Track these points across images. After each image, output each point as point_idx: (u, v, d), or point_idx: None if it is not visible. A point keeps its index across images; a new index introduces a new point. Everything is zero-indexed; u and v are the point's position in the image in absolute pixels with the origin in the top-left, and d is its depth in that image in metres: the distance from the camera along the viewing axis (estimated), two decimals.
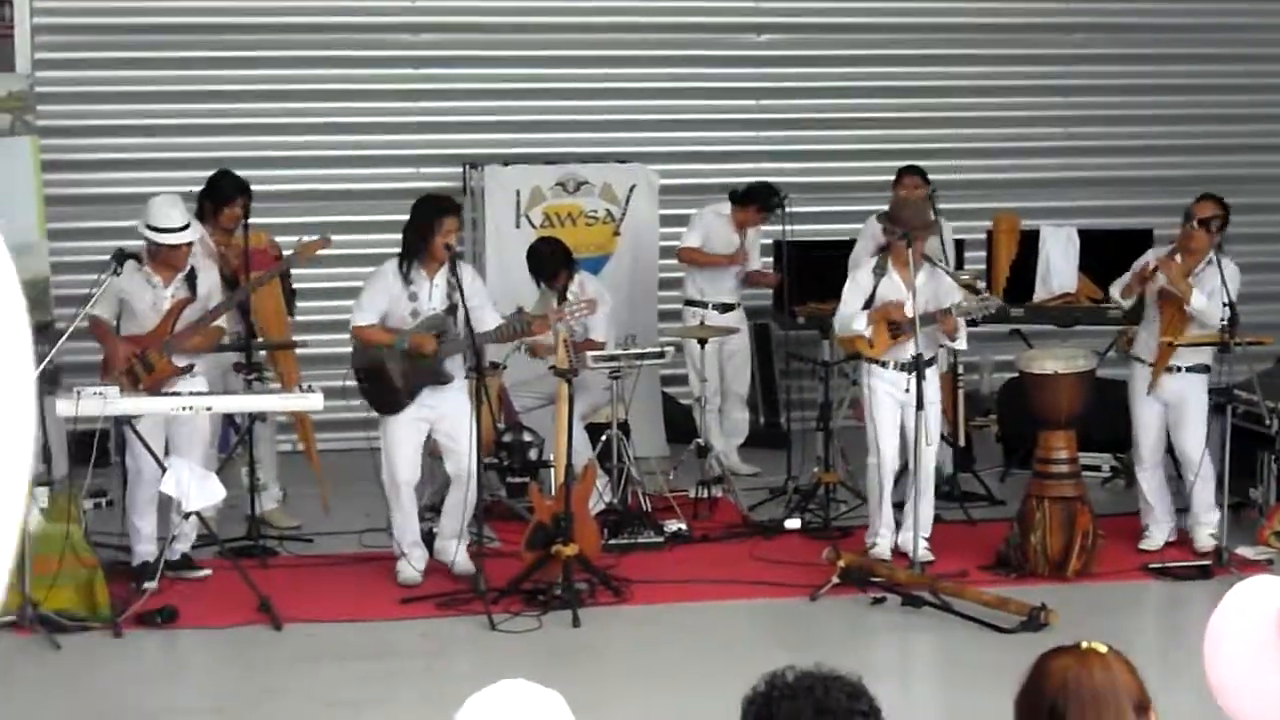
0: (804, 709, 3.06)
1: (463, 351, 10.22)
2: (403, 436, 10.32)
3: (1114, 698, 3.42)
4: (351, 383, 10.59)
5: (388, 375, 10.30)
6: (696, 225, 12.86)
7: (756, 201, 12.67)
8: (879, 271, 10.58)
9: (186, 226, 10.17)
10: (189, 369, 10.19)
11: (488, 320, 10.29)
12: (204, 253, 10.71)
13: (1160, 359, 10.77)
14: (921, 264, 10.45)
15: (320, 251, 11.07)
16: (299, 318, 11.81)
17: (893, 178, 12.58)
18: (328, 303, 12.37)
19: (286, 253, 11.26)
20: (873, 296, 10.55)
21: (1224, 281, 10.45)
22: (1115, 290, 11.06)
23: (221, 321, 10.47)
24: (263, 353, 11.24)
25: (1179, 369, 10.75)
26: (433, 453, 10.55)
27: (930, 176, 12.44)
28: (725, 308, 12.82)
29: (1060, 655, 3.47)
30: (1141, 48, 15.09)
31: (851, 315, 10.59)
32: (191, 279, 10.27)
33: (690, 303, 12.89)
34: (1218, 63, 15.20)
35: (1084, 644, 3.46)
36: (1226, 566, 10.42)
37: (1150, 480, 11.03)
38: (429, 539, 10.58)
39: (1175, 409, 10.80)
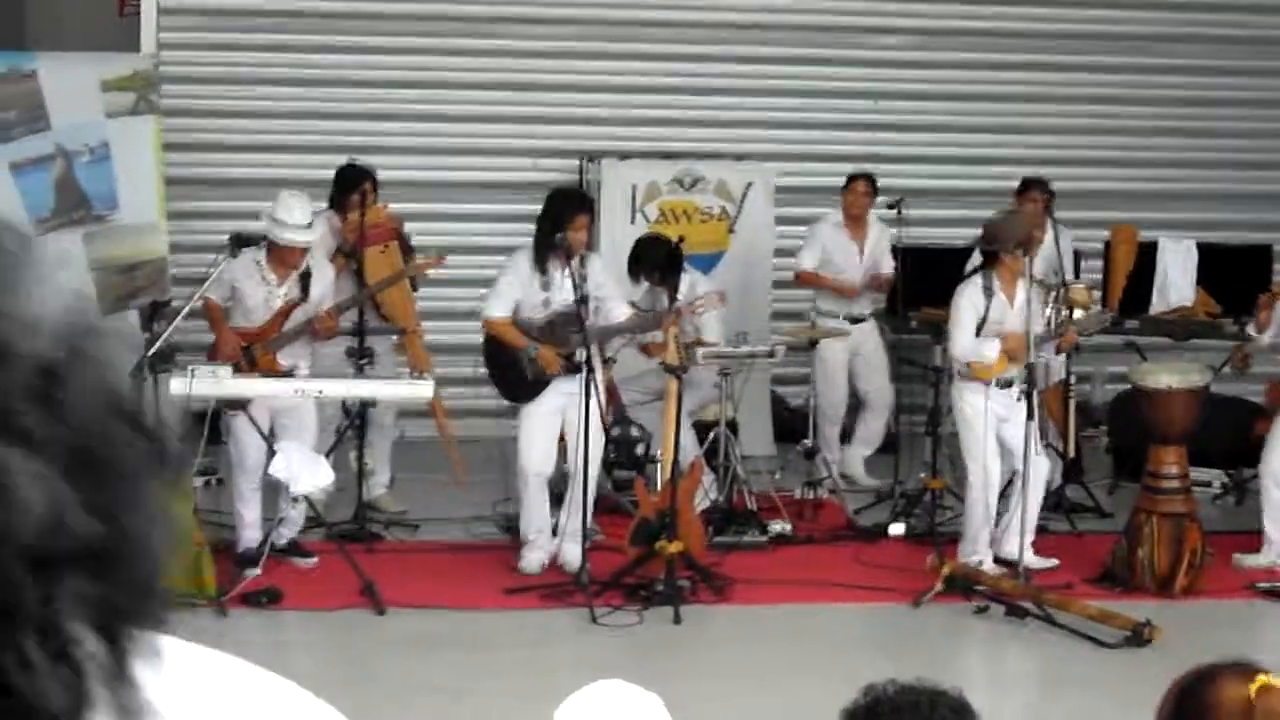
0: None
1: (594, 342, 10.21)
2: (538, 427, 10.35)
3: None
4: (457, 370, 10.63)
5: (520, 368, 10.32)
6: (812, 243, 12.71)
7: (854, 179, 12.60)
8: (987, 292, 10.47)
9: (309, 226, 10.23)
10: (292, 370, 10.25)
11: (616, 314, 10.31)
12: (324, 251, 10.82)
13: None
14: (1022, 280, 10.35)
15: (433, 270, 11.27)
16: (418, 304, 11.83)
17: (1011, 183, 12.51)
18: (445, 290, 12.41)
19: (411, 240, 11.32)
20: (985, 318, 10.46)
21: None
22: (1250, 329, 10.99)
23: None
24: (392, 338, 11.37)
25: None
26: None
27: (1050, 186, 12.35)
28: (855, 319, 12.70)
29: (1231, 684, 3.11)
30: (1267, 60, 14.90)
31: (976, 344, 10.41)
32: (306, 280, 10.33)
33: (821, 314, 12.81)
34: None
35: (1260, 677, 3.18)
36: None
37: (1271, 499, 10.88)
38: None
39: None
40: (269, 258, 10.27)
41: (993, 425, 10.46)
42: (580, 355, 10.20)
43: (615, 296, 10.38)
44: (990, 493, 10.55)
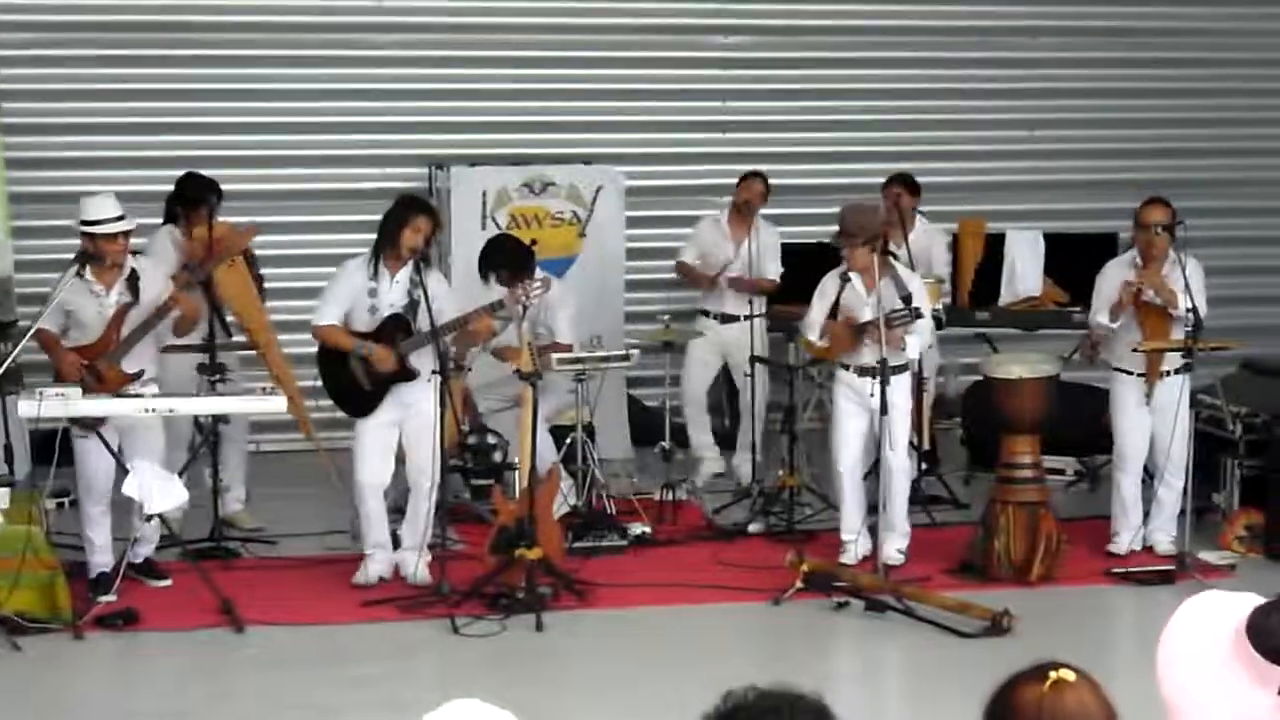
0: None
1: (424, 346, 10.14)
2: (372, 439, 10.30)
3: None
4: (317, 383, 10.56)
5: (354, 377, 10.27)
6: (692, 238, 12.82)
7: (744, 177, 12.62)
8: (844, 279, 10.59)
9: (121, 218, 10.03)
10: (139, 375, 10.07)
11: (448, 317, 10.25)
12: (167, 268, 10.65)
13: (1152, 369, 10.73)
14: (885, 271, 10.47)
15: (250, 240, 11.18)
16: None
17: (866, 180, 12.62)
18: (294, 302, 12.30)
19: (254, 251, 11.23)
20: (837, 304, 10.59)
21: (1188, 285, 10.48)
22: (1102, 318, 10.80)
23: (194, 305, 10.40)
24: (247, 353, 11.28)
25: (1166, 373, 10.73)
26: (399, 457, 10.51)
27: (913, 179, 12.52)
28: (726, 318, 12.65)
29: (1028, 686, 3.26)
30: (1104, 51, 15.11)
31: (811, 324, 10.72)
32: (134, 284, 10.13)
33: (702, 312, 12.80)
34: (1179, 67, 15.25)
35: (1052, 673, 3.29)
36: (1189, 571, 10.42)
37: (1131, 486, 10.99)
38: (396, 541, 10.54)
39: (1163, 413, 10.74)
40: (94, 268, 10.06)
41: (856, 414, 10.55)
42: (411, 363, 10.19)
43: (448, 308, 10.30)
44: (847, 480, 10.66)
